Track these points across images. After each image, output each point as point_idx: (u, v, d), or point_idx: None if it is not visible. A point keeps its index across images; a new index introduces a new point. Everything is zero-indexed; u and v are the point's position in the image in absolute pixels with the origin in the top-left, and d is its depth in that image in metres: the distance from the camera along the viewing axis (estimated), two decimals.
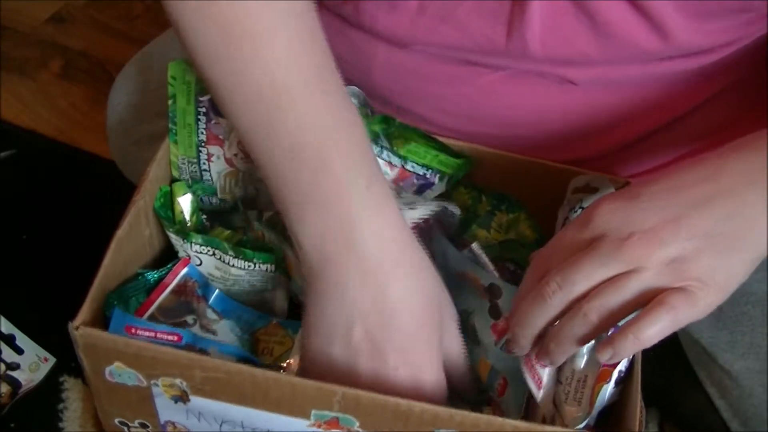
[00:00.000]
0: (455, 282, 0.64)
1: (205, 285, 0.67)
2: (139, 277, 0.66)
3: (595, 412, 0.57)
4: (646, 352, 0.57)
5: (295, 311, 0.67)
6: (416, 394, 0.57)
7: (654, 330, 0.52)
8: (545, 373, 0.58)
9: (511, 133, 0.72)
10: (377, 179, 0.58)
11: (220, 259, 0.64)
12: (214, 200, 0.71)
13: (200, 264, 0.66)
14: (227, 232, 0.67)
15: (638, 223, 0.52)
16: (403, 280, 0.57)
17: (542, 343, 0.57)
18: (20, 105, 1.23)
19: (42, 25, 1.35)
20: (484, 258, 0.65)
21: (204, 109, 0.65)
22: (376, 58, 0.71)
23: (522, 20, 0.63)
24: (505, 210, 0.69)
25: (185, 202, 0.68)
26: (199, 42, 0.58)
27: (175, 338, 0.57)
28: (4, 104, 1.21)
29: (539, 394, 0.58)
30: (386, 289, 0.57)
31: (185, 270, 0.66)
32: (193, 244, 0.64)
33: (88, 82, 1.28)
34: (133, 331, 0.56)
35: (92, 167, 1.14)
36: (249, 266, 0.64)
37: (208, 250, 0.64)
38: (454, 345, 0.62)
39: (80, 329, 0.56)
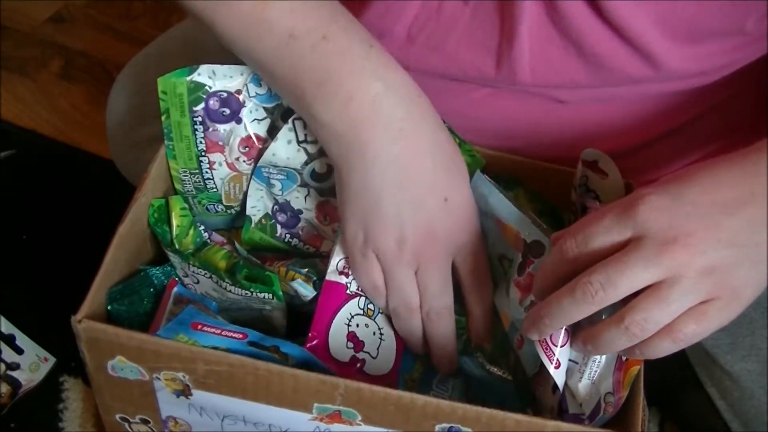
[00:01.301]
0: (493, 225, 0.65)
1: (200, 299, 0.66)
2: (141, 273, 0.66)
3: (625, 393, 0.57)
4: None
5: (294, 327, 0.67)
6: (455, 218, 0.61)
7: (686, 340, 0.53)
8: (557, 351, 0.58)
9: (503, 145, 0.72)
10: (374, 41, 0.60)
11: (216, 282, 0.64)
12: (219, 207, 0.70)
13: (198, 283, 0.65)
14: (223, 251, 0.67)
15: (680, 226, 0.52)
16: (428, 130, 0.60)
17: (576, 337, 0.57)
18: (20, 105, 1.23)
19: (42, 25, 1.35)
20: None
21: (200, 119, 0.65)
22: None
23: (511, 51, 0.64)
24: (505, 187, 0.69)
25: (182, 218, 0.67)
26: None
27: (241, 336, 0.56)
28: (4, 104, 1.21)
29: (552, 370, 0.58)
30: (417, 140, 0.59)
31: (175, 289, 0.65)
32: (190, 265, 0.64)
33: (88, 82, 1.28)
34: (199, 327, 0.56)
35: (92, 167, 1.14)
36: (246, 293, 0.64)
37: (205, 273, 0.64)
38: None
39: (83, 322, 0.56)
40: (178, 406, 0.60)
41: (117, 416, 0.64)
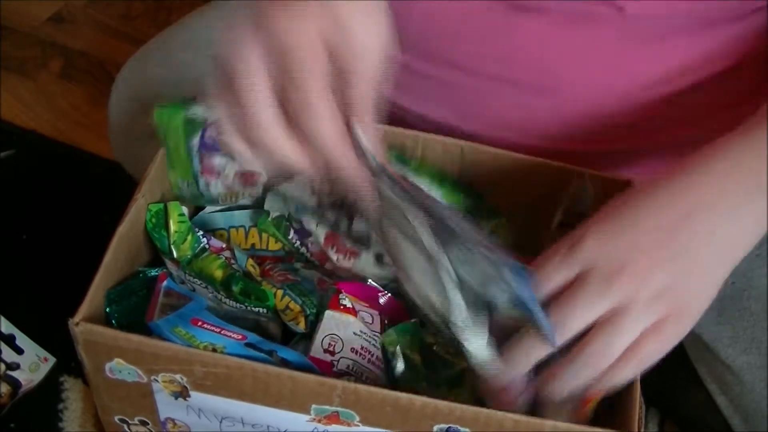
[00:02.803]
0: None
1: (189, 294, 0.66)
2: (140, 275, 0.65)
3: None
4: None
5: (290, 337, 0.67)
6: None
7: (648, 359, 0.54)
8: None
9: (498, 136, 0.72)
10: None
11: (212, 293, 0.64)
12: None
13: (194, 290, 0.65)
14: (220, 260, 0.66)
15: (626, 254, 0.53)
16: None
17: (540, 379, 0.57)
18: (20, 105, 1.23)
19: (42, 25, 1.35)
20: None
21: (196, 147, 0.65)
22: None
23: None
24: (485, 217, 0.69)
25: (180, 224, 0.67)
26: None
27: (239, 337, 0.57)
28: (4, 104, 1.21)
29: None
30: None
31: (165, 283, 0.65)
32: (187, 274, 0.64)
33: (88, 82, 1.28)
34: (199, 323, 0.57)
35: (92, 167, 1.14)
36: (241, 307, 0.64)
37: (201, 283, 0.64)
38: None
39: (80, 325, 0.56)
40: (176, 408, 0.60)
41: (116, 417, 0.64)
